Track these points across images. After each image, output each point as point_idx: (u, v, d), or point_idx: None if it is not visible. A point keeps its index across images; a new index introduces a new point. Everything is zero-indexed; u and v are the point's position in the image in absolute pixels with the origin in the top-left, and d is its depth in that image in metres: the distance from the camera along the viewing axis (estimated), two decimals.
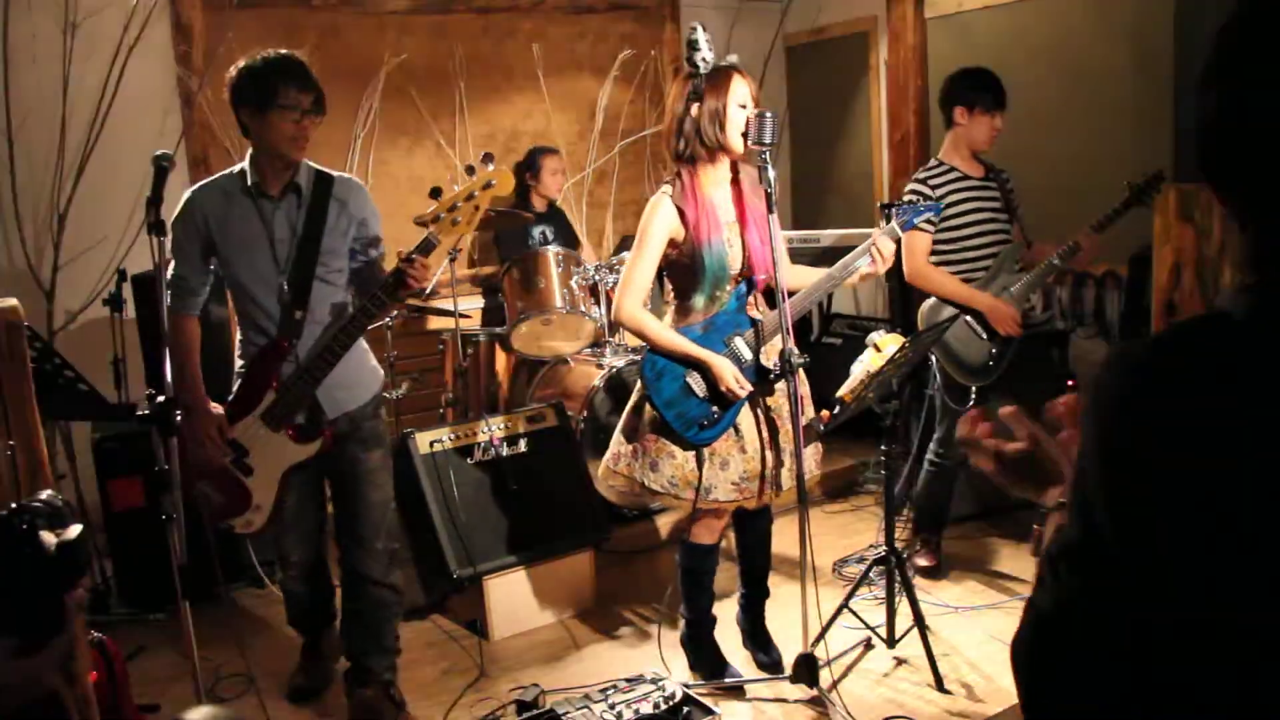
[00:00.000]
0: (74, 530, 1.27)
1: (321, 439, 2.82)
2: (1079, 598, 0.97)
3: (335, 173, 2.87)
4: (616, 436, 3.04)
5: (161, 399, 2.43)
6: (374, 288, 2.71)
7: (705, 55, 2.82)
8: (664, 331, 2.91)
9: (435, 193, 2.72)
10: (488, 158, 2.70)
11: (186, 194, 2.84)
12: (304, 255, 2.77)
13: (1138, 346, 0.97)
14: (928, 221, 3.52)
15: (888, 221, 2.97)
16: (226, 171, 2.87)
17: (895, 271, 4.20)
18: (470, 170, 2.67)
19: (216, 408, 2.84)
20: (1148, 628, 0.93)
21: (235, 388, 2.91)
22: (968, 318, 3.61)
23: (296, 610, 3.23)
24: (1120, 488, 0.93)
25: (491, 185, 2.64)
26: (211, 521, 2.83)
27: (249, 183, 2.78)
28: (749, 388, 2.85)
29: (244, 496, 2.86)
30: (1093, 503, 0.96)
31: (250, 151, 2.80)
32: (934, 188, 3.61)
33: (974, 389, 3.65)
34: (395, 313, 4.30)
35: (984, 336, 3.61)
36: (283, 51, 2.76)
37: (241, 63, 2.76)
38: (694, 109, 2.83)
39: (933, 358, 3.68)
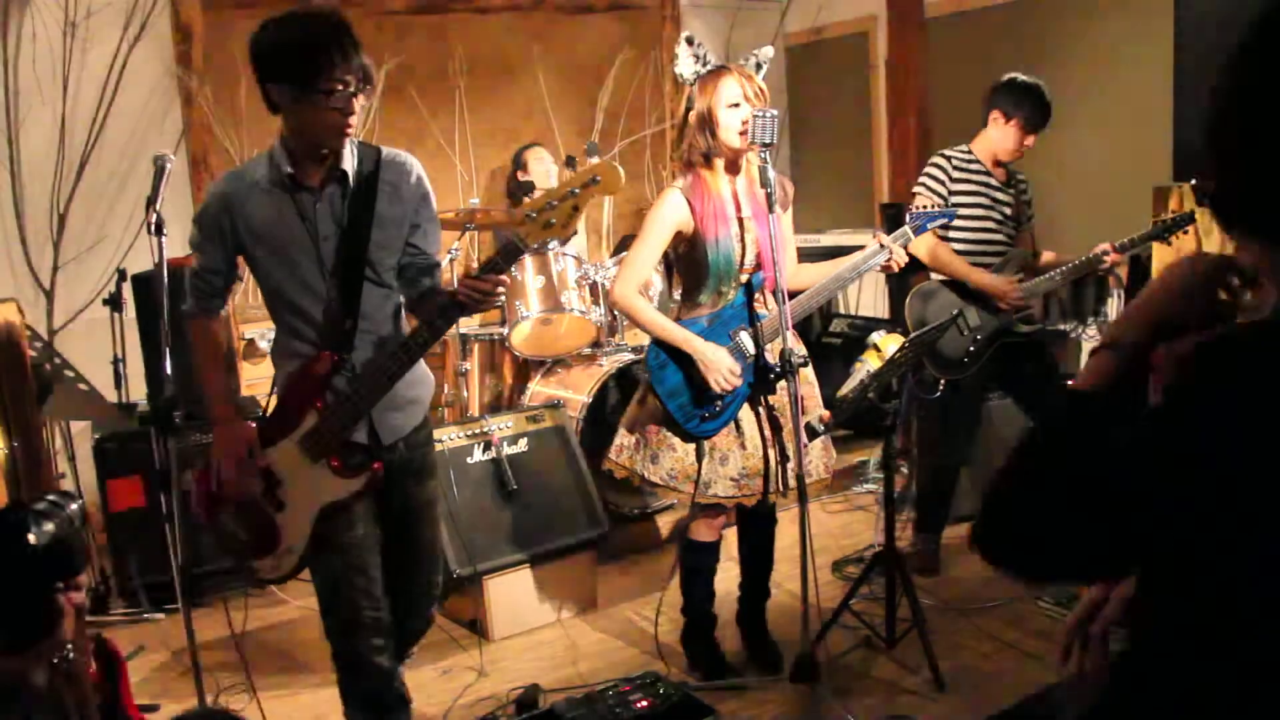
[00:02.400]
0: (70, 528, 1.26)
1: (370, 473, 2.36)
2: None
3: (384, 149, 2.43)
4: (620, 428, 3.05)
5: (162, 398, 2.42)
6: (420, 306, 2.37)
7: (681, 70, 2.82)
8: (655, 315, 2.91)
9: (527, 188, 2.35)
10: (591, 148, 2.30)
11: (211, 186, 2.43)
12: (351, 254, 2.34)
13: (1236, 336, 0.99)
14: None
15: (890, 226, 2.98)
16: (255, 158, 2.41)
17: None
18: (570, 163, 2.25)
19: (249, 425, 2.43)
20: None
21: (270, 406, 2.47)
22: (955, 310, 3.59)
23: (371, 690, 2.54)
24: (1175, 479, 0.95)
25: (596, 182, 2.16)
26: (236, 562, 2.54)
27: (283, 173, 2.31)
28: (737, 383, 2.84)
29: (273, 536, 2.41)
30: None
31: (281, 135, 2.33)
32: (956, 167, 3.60)
33: (943, 381, 3.65)
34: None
35: (965, 332, 3.60)
36: (316, 13, 2.24)
37: (270, 23, 2.22)
38: (690, 116, 2.84)
39: None
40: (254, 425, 2.44)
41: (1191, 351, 0.96)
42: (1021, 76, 3.60)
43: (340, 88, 2.19)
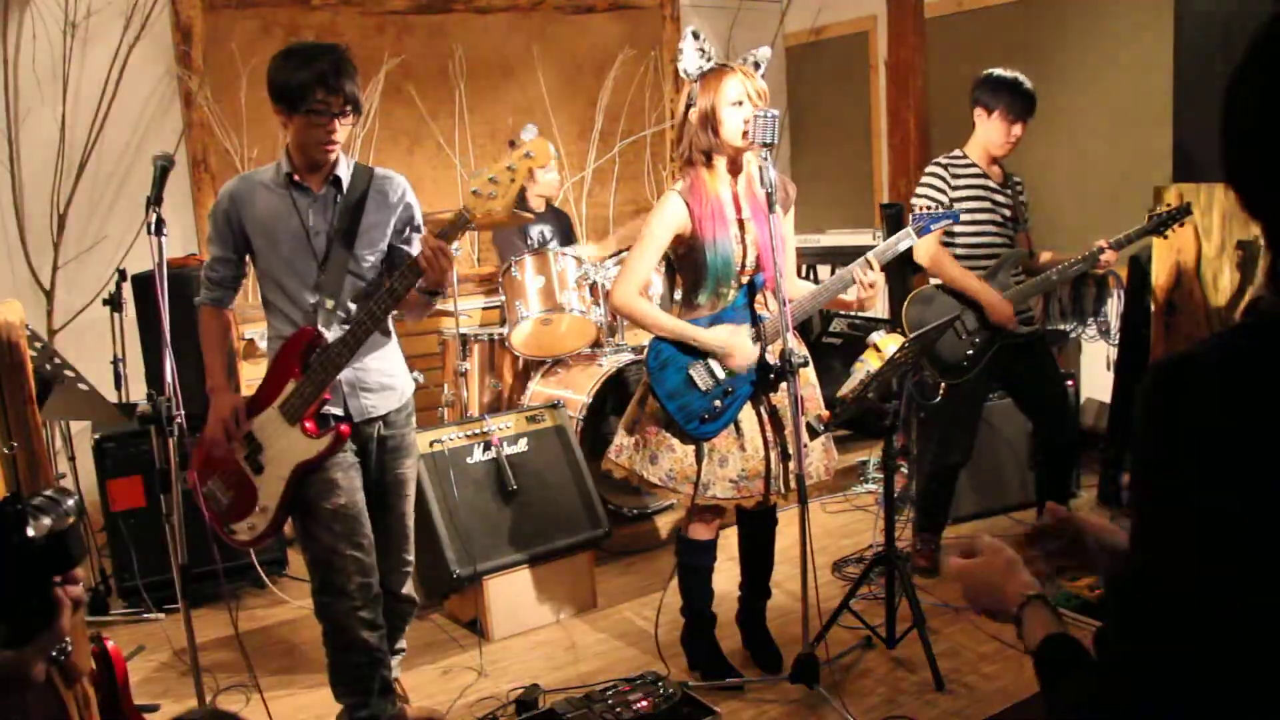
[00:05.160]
0: (67, 522, 1.26)
1: (332, 434, 2.61)
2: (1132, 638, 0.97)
3: (377, 169, 2.77)
4: (619, 429, 3.05)
5: (163, 399, 2.42)
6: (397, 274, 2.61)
7: (685, 65, 2.82)
8: (656, 313, 2.91)
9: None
10: (527, 130, 2.52)
11: (224, 185, 2.73)
12: (338, 247, 2.65)
13: (1194, 350, 0.96)
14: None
15: (889, 225, 2.97)
16: (266, 166, 2.75)
17: (896, 271, 4.20)
18: (513, 144, 2.52)
19: (237, 395, 2.71)
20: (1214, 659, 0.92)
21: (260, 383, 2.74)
22: (960, 308, 3.59)
23: (358, 667, 2.74)
24: (1178, 490, 0.92)
25: (530, 156, 2.51)
26: (217, 525, 2.71)
27: (284, 174, 2.65)
28: (753, 358, 2.85)
29: (250, 497, 2.68)
30: (1149, 524, 0.96)
31: (287, 145, 2.67)
32: (954, 175, 3.60)
33: (943, 385, 3.65)
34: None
35: (964, 336, 3.60)
36: (319, 45, 2.58)
37: (279, 54, 2.59)
38: (691, 114, 2.83)
39: None
40: (240, 398, 2.70)
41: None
42: (996, 70, 3.60)
43: (322, 108, 2.52)
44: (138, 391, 4.07)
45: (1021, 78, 3.56)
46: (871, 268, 2.84)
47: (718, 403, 2.87)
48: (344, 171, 2.67)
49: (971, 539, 1.34)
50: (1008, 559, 1.25)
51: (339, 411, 2.67)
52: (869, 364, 2.92)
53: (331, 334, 2.62)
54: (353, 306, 2.68)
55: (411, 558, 2.93)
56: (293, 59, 2.54)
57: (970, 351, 3.61)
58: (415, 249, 2.72)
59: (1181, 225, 3.49)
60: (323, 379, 2.59)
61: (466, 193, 2.52)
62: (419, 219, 2.79)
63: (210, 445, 2.69)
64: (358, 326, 2.57)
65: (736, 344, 2.84)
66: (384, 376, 2.76)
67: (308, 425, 2.60)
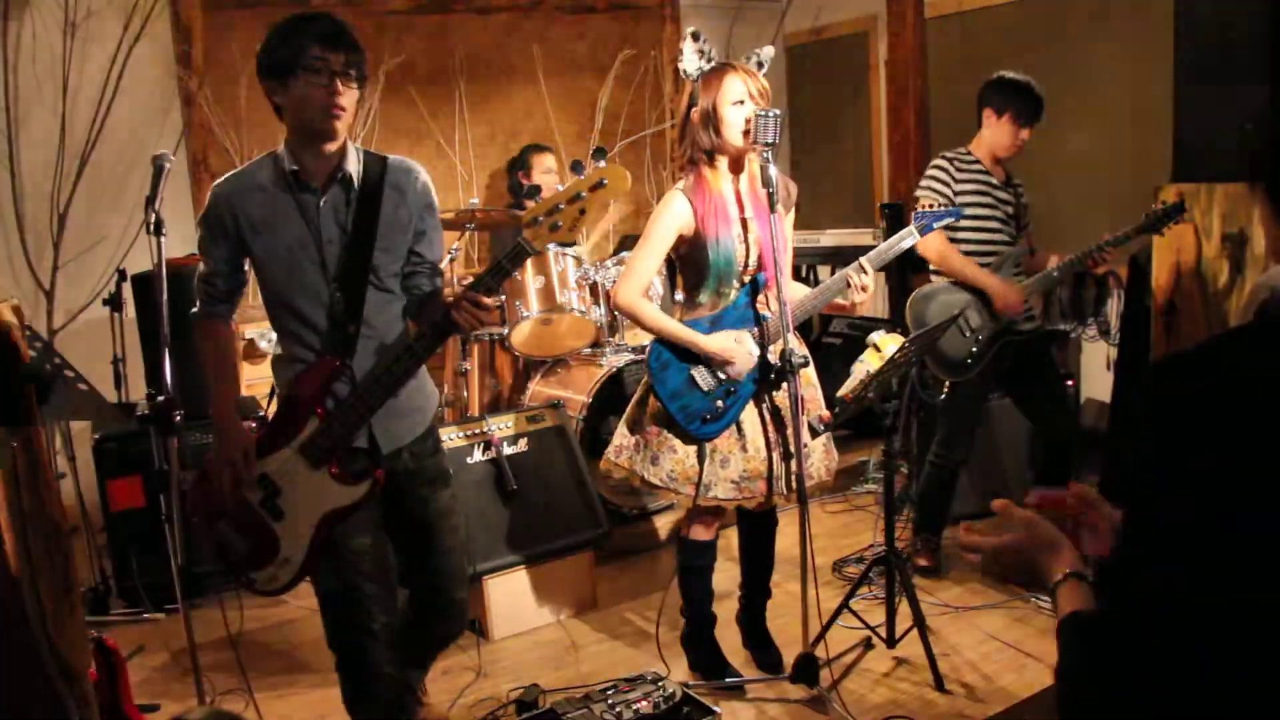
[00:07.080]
0: None
1: (371, 481, 2.33)
2: (1116, 614, 0.99)
3: (390, 156, 2.43)
4: (620, 429, 3.04)
5: (162, 398, 2.42)
6: (424, 311, 2.37)
7: (685, 66, 2.82)
8: (659, 316, 2.90)
9: (532, 192, 2.27)
10: (598, 153, 2.22)
11: (214, 186, 2.38)
12: (355, 258, 2.31)
13: (1196, 350, 0.97)
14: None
15: (890, 225, 2.97)
16: (259, 159, 2.39)
17: (896, 271, 4.20)
18: (577, 167, 2.23)
19: (246, 432, 2.40)
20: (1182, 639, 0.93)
21: (272, 413, 2.47)
22: (956, 311, 3.59)
23: (383, 696, 2.49)
24: (1172, 487, 0.94)
25: (603, 185, 2.20)
26: (233, 573, 2.47)
27: (286, 171, 2.31)
28: (752, 362, 2.85)
29: (271, 546, 2.37)
30: (1141, 514, 0.97)
31: (285, 136, 2.33)
32: (959, 168, 3.60)
33: (947, 383, 3.65)
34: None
35: (967, 333, 3.60)
36: (312, 12, 2.30)
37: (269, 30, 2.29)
38: (693, 113, 2.83)
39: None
40: (251, 432, 2.42)
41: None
42: (1009, 74, 3.61)
43: (320, 65, 2.20)
44: (138, 391, 4.08)
45: (1033, 82, 3.57)
46: (865, 271, 2.85)
47: (720, 403, 2.87)
48: (354, 167, 2.34)
49: (1005, 508, 1.31)
50: (1051, 536, 1.25)
51: (363, 443, 2.40)
52: (869, 364, 2.92)
53: (360, 361, 2.35)
54: (380, 322, 2.39)
55: (461, 595, 2.66)
56: (281, 27, 2.25)
57: (974, 349, 3.61)
58: (432, 250, 2.47)
59: (1177, 223, 3.49)
60: (355, 421, 2.31)
61: (525, 220, 2.22)
62: (437, 215, 2.49)
63: (214, 487, 2.41)
64: (386, 376, 2.28)
65: (737, 352, 2.84)
66: (412, 398, 2.47)
67: (333, 470, 2.32)
